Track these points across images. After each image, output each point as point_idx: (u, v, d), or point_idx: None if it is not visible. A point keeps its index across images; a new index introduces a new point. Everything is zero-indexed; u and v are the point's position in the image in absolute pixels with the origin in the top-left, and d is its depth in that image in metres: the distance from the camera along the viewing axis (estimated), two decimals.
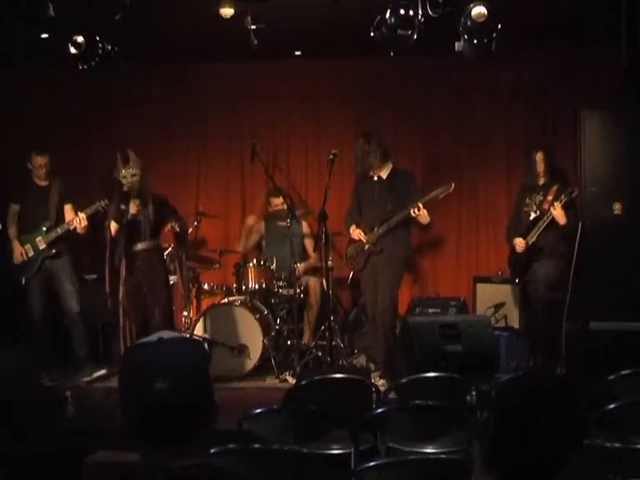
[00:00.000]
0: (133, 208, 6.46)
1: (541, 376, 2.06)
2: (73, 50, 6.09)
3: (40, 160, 7.00)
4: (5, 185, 7.54)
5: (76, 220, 6.81)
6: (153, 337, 1.82)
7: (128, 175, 6.42)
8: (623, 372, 4.50)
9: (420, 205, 6.45)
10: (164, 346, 1.80)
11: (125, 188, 6.46)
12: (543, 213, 6.63)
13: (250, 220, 7.96)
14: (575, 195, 6.51)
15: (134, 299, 6.46)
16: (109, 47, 6.21)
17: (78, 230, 6.87)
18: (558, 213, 6.54)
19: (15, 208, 7.08)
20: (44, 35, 5.75)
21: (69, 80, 7.49)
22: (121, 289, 6.47)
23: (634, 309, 6.17)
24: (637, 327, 6.07)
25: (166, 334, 1.83)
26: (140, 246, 6.52)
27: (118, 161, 6.47)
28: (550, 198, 6.65)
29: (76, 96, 8.06)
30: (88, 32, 6.11)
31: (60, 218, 6.97)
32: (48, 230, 6.92)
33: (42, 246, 6.92)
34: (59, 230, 6.89)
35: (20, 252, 6.94)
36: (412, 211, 6.45)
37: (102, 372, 6.86)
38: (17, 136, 8.01)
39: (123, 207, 6.46)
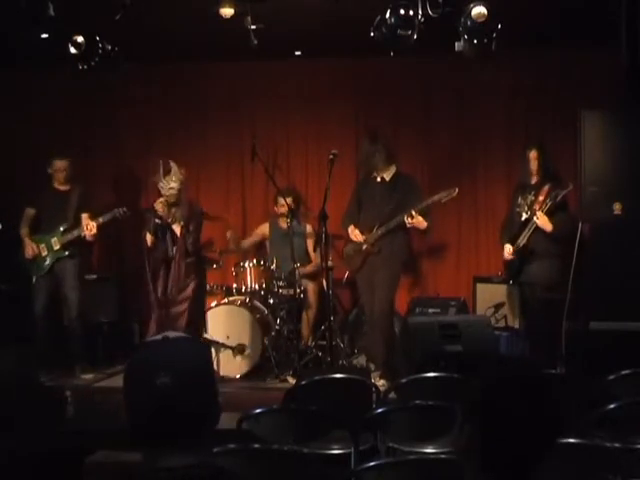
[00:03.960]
0: (168, 217, 6.51)
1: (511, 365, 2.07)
2: (73, 50, 6.11)
3: (60, 164, 7.06)
4: (6, 185, 7.53)
5: (87, 227, 6.85)
6: (159, 336, 1.84)
7: (166, 187, 6.47)
8: (623, 372, 4.50)
9: (413, 213, 6.44)
10: (168, 344, 1.81)
11: (162, 197, 6.52)
12: (533, 214, 6.60)
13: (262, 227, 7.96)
14: (561, 197, 6.45)
15: (165, 303, 6.49)
16: (109, 47, 6.22)
17: (87, 237, 6.94)
18: (542, 222, 6.51)
19: (30, 212, 7.11)
20: (44, 35, 5.74)
21: (69, 80, 7.48)
22: (152, 295, 6.52)
23: (634, 309, 6.16)
24: (637, 327, 6.06)
25: (172, 334, 1.85)
26: (173, 255, 6.55)
27: (160, 169, 6.50)
28: (541, 199, 6.56)
29: (76, 96, 8.06)
30: (88, 32, 6.12)
31: (77, 223, 7.00)
32: (65, 232, 6.95)
33: (57, 247, 6.95)
34: (75, 233, 6.92)
35: (31, 248, 6.97)
36: (406, 220, 6.46)
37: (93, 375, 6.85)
38: (16, 136, 8.01)
39: (158, 222, 6.48)
